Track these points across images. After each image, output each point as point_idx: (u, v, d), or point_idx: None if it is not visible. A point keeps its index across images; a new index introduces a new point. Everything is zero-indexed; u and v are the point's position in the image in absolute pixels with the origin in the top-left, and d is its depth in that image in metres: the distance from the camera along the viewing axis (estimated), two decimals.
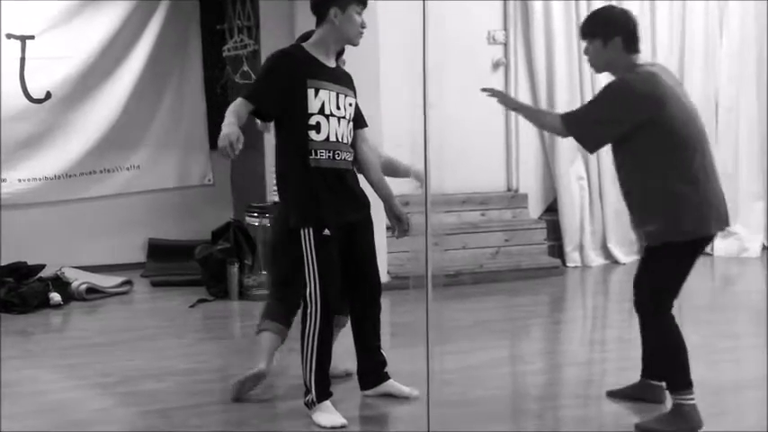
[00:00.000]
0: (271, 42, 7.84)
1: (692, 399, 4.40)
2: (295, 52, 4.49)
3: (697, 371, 5.45)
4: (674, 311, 4.43)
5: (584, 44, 4.60)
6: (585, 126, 4.44)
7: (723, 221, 4.42)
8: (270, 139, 7.73)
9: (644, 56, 8.84)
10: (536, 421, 4.68)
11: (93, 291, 7.39)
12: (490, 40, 8.36)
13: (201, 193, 8.81)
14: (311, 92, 4.38)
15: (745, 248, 8.79)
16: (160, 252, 8.50)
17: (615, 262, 8.50)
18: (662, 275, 4.41)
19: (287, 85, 4.37)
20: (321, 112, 4.40)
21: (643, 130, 4.32)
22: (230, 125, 4.16)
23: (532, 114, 4.98)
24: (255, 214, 7.55)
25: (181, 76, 8.61)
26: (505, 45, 8.41)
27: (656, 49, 8.61)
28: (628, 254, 8.57)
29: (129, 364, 5.57)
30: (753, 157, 8.88)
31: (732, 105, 8.81)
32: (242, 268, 7.42)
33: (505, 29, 8.42)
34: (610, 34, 4.45)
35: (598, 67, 4.58)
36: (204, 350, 5.97)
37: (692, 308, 7.06)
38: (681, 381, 4.42)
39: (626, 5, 8.35)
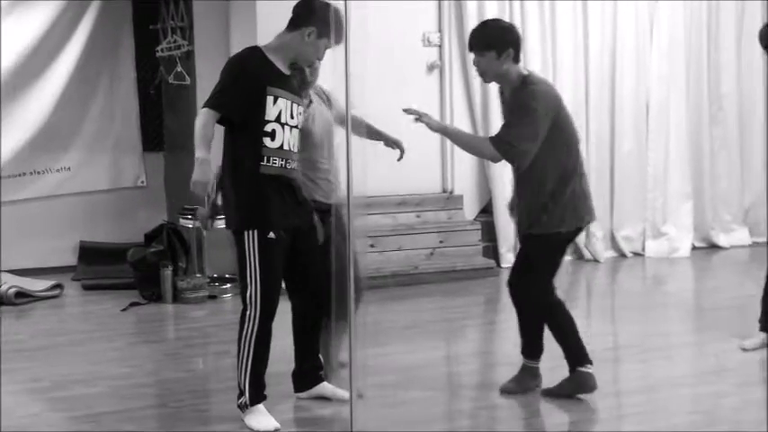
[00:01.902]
0: (204, 43, 7.80)
1: (591, 368, 4.83)
2: (255, 57, 4.48)
3: (629, 369, 5.56)
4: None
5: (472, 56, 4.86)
6: (516, 145, 4.71)
7: (593, 212, 4.97)
8: None
9: (577, 57, 9.01)
10: (470, 421, 4.71)
11: (22, 295, 7.25)
12: (425, 42, 8.38)
13: (134, 196, 8.70)
14: (270, 99, 4.39)
15: (675, 248, 8.91)
16: (92, 255, 8.37)
17: None
18: (553, 265, 4.92)
19: (249, 90, 4.38)
20: (278, 119, 4.41)
21: (549, 133, 4.70)
22: (204, 166, 4.25)
23: (461, 139, 5.18)
24: (189, 216, 7.47)
25: (113, 76, 8.49)
26: (440, 47, 8.43)
27: (588, 51, 8.69)
28: None
29: (60, 369, 5.49)
30: (682, 158, 8.99)
31: (662, 107, 8.93)
32: (176, 271, 7.35)
33: (440, 31, 8.44)
34: (504, 46, 4.73)
35: (490, 77, 4.87)
36: (136, 354, 5.91)
37: (623, 308, 7.16)
38: (583, 355, 4.84)
39: (560, 8, 8.51)
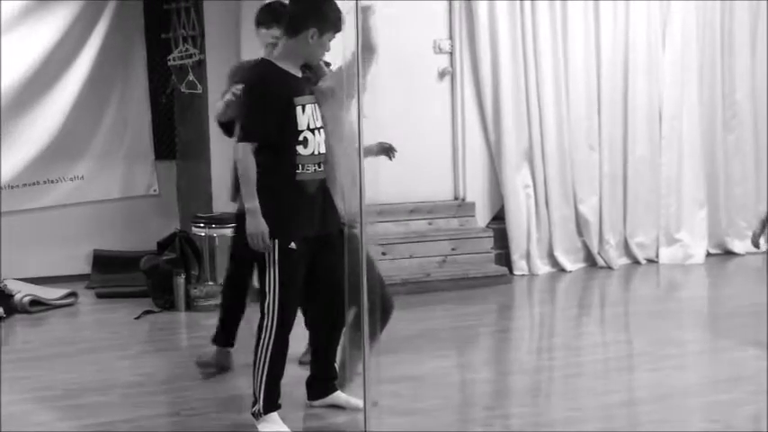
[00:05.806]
0: (216, 52, 7.80)
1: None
2: (272, 72, 4.47)
3: (643, 377, 5.52)
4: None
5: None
6: None
7: None
8: (216, 149, 7.71)
9: (589, 62, 8.93)
10: (484, 429, 4.68)
11: (36, 303, 7.26)
12: (436, 49, 8.37)
13: (147, 204, 8.71)
14: (299, 109, 4.41)
15: (689, 255, 8.86)
16: (105, 263, 8.37)
17: (562, 270, 8.53)
18: None
19: (279, 109, 4.38)
20: (308, 127, 4.43)
21: None
22: (257, 217, 4.29)
23: None
24: (202, 224, 7.49)
25: (125, 85, 8.50)
26: (451, 54, 8.42)
27: (600, 55, 8.63)
28: (574, 261, 8.61)
29: (73, 377, 5.49)
30: (696, 165, 8.95)
31: (675, 113, 8.88)
32: (188, 279, 7.34)
33: (451, 38, 8.43)
34: None
35: None
36: (149, 362, 5.90)
37: (637, 315, 7.13)
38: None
39: (571, 14, 8.48)
